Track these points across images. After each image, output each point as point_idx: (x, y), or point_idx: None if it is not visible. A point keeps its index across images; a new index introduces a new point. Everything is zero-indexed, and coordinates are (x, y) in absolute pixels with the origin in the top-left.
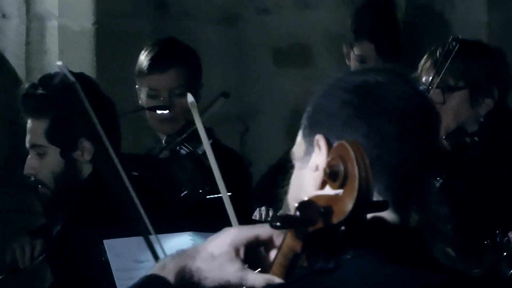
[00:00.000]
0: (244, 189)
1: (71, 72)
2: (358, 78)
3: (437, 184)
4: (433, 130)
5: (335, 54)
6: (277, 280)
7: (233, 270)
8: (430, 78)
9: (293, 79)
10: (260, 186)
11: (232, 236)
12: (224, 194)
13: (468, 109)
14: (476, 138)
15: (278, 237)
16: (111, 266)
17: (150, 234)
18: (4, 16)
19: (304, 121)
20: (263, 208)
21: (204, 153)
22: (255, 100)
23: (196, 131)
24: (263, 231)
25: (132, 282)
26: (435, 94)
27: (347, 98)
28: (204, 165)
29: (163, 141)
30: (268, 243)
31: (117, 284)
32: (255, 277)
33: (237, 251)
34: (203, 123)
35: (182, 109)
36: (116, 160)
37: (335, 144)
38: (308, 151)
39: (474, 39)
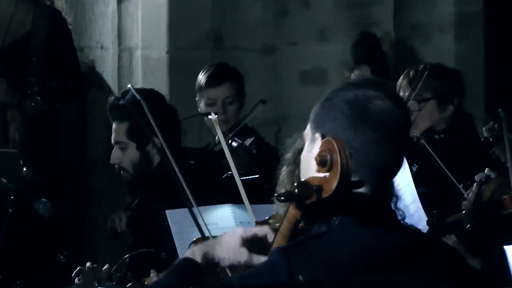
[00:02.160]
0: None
1: (139, 90)
2: (352, 93)
3: (414, 169)
4: (405, 137)
5: (343, 76)
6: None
7: (242, 254)
8: (407, 93)
9: (314, 93)
10: None
11: (239, 233)
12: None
13: (436, 114)
14: (442, 135)
15: (271, 235)
16: (172, 229)
17: (193, 206)
18: (102, 47)
19: (311, 116)
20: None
21: (251, 145)
22: (286, 108)
23: (242, 129)
24: (260, 230)
25: (187, 242)
26: (412, 104)
27: (342, 108)
28: (251, 152)
29: (217, 138)
30: (262, 240)
31: (176, 243)
32: (258, 257)
33: (243, 243)
34: (248, 124)
35: (232, 113)
36: (169, 153)
37: (325, 140)
38: (312, 141)
39: (440, 62)
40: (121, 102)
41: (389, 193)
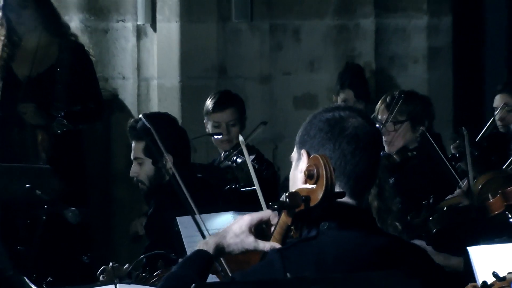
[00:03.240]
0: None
1: (155, 113)
2: (329, 114)
3: (391, 182)
4: (377, 148)
5: (331, 100)
6: (277, 245)
7: (249, 242)
8: (385, 115)
9: (305, 116)
10: (284, 182)
11: (246, 220)
12: (258, 188)
13: (410, 134)
14: (415, 153)
15: (274, 218)
16: (182, 233)
17: (195, 214)
18: (123, 77)
19: (296, 138)
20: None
21: (253, 161)
22: (281, 129)
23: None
24: (265, 214)
25: (194, 245)
26: (389, 126)
27: (321, 127)
28: (254, 167)
29: (222, 155)
30: (267, 222)
31: (185, 246)
32: (264, 244)
33: (250, 230)
34: (249, 143)
35: (235, 134)
36: (174, 169)
37: (311, 156)
38: (298, 159)
39: (413, 89)
40: (139, 125)
41: None
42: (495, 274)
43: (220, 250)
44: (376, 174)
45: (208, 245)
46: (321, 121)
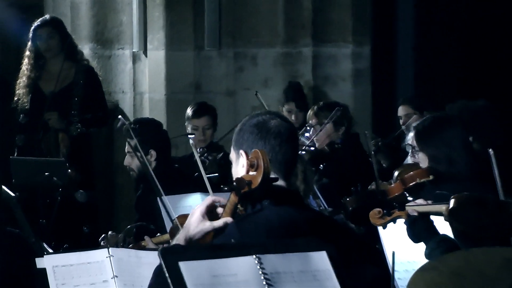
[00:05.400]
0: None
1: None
2: (255, 120)
3: (322, 167)
4: (295, 139)
5: (279, 109)
6: (229, 219)
7: (207, 226)
8: (313, 120)
9: None
10: None
11: (198, 212)
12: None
13: (334, 132)
14: (340, 145)
15: (224, 199)
16: (161, 211)
17: (162, 195)
18: (123, 92)
19: (233, 142)
20: None
21: (220, 158)
22: None
23: (213, 146)
24: (215, 197)
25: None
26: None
27: (251, 130)
28: (217, 161)
29: (198, 150)
30: (213, 205)
31: (164, 219)
32: (219, 222)
33: (204, 217)
34: (219, 143)
35: (209, 136)
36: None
37: (251, 152)
38: (238, 157)
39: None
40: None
41: None
42: (395, 205)
43: (188, 240)
44: (297, 158)
45: (179, 240)
46: (250, 126)
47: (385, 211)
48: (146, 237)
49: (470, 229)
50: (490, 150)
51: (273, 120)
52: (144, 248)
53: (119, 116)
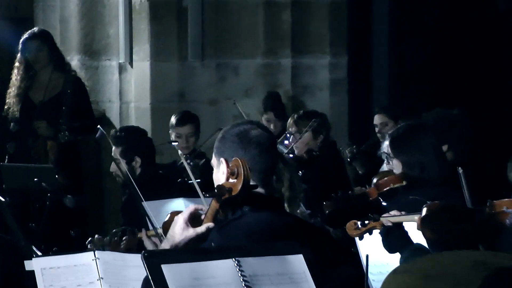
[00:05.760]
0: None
1: (131, 127)
2: (236, 129)
3: (301, 174)
4: (274, 148)
5: (259, 118)
6: (211, 224)
7: (191, 233)
8: (293, 128)
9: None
10: None
11: (181, 220)
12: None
13: (312, 141)
14: (318, 153)
15: (204, 206)
16: (147, 213)
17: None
18: (110, 101)
19: (214, 149)
20: None
21: (202, 164)
22: None
23: (196, 153)
24: (196, 205)
25: (159, 220)
26: (295, 135)
27: (233, 139)
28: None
29: (183, 157)
30: (196, 212)
31: (152, 222)
32: (201, 228)
33: (187, 224)
34: (202, 149)
35: (192, 143)
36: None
37: (231, 160)
38: (219, 164)
39: (314, 110)
40: (118, 134)
41: None
42: (370, 216)
43: (174, 248)
44: (275, 166)
45: (164, 248)
46: (232, 136)
47: (360, 223)
48: (143, 229)
49: (442, 237)
50: (460, 168)
51: (254, 130)
52: (139, 240)
53: (98, 126)
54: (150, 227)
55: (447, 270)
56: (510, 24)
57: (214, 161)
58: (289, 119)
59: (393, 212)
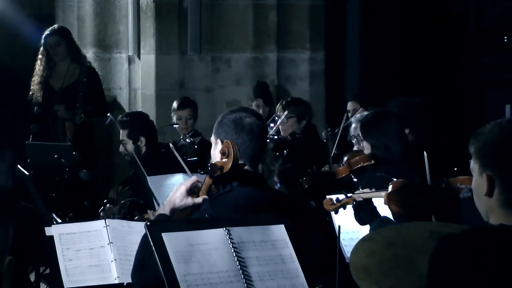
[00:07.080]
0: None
1: (136, 112)
2: (232, 116)
3: (286, 153)
4: (265, 135)
5: (249, 104)
6: (206, 197)
7: (189, 201)
8: (280, 112)
9: None
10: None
11: (183, 188)
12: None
13: (296, 125)
14: (300, 135)
15: (201, 180)
16: (151, 187)
17: (146, 175)
18: (120, 88)
19: (214, 130)
20: None
21: (198, 142)
22: None
23: (194, 133)
24: (191, 180)
25: (160, 194)
26: (285, 119)
27: (229, 125)
28: (195, 143)
29: (181, 137)
30: (195, 184)
31: (153, 195)
32: (198, 199)
33: (188, 193)
34: (198, 130)
35: (191, 125)
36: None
37: (224, 142)
38: (216, 143)
39: (299, 97)
40: (124, 118)
41: None
42: (344, 193)
43: (173, 211)
44: (264, 151)
45: (165, 210)
46: (228, 121)
47: (335, 199)
48: (149, 211)
49: (404, 210)
50: (425, 153)
51: (248, 118)
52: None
53: (108, 114)
54: (155, 205)
55: (407, 238)
56: (463, 23)
57: (213, 139)
58: (278, 104)
59: (364, 190)
